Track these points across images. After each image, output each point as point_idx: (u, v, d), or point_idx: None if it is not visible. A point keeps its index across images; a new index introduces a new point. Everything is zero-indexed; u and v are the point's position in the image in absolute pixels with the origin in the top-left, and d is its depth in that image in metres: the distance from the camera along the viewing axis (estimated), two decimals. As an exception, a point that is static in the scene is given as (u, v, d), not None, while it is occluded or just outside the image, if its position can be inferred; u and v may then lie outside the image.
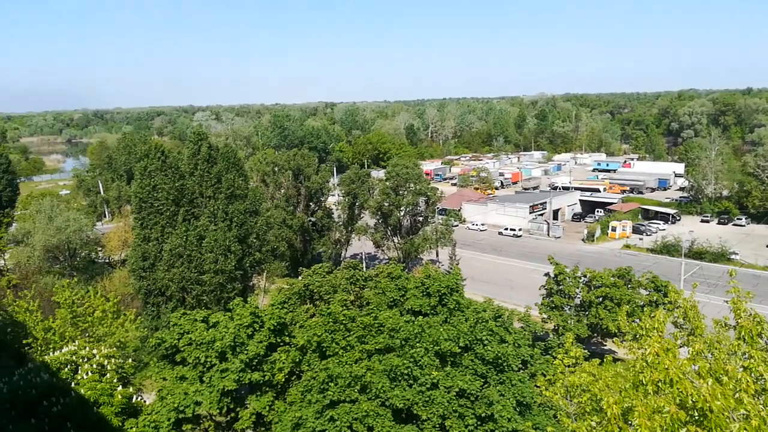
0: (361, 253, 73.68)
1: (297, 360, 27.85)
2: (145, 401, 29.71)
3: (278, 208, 70.35)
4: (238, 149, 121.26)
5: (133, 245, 45.71)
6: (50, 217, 63.49)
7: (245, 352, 26.73)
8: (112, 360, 29.41)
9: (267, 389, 27.69)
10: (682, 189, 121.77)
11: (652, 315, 14.05)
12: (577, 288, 47.29)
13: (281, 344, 28.92)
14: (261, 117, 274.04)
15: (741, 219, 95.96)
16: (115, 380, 27.73)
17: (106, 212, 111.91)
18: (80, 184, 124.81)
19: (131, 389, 28.73)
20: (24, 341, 34.27)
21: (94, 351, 29.53)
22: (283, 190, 73.96)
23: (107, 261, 71.33)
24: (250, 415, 26.69)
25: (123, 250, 66.96)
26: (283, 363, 27.54)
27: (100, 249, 69.81)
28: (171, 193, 43.99)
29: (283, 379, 28.09)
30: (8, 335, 34.91)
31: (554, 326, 47.04)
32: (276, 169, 74.64)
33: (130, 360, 32.34)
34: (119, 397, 26.60)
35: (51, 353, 30.58)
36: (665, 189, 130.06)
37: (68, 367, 28.05)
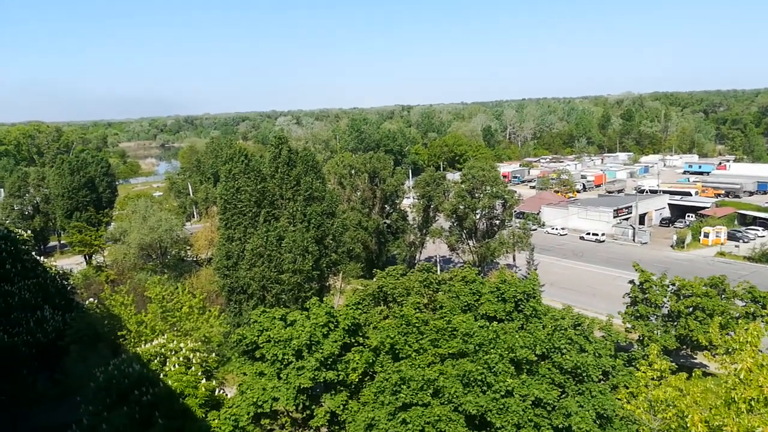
0: (436, 256, 73.34)
1: (370, 361, 28.08)
2: (226, 394, 31.04)
3: (354, 210, 71.38)
4: (316, 152, 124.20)
5: (218, 245, 47.88)
6: (144, 217, 67.64)
7: (320, 351, 27.27)
8: (197, 354, 30.97)
9: (341, 388, 28.12)
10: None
11: (747, 328, 13.07)
12: (665, 297, 44.74)
13: (355, 344, 29.28)
14: (339, 121, 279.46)
15: None
16: (199, 373, 29.18)
17: (195, 213, 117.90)
18: (171, 186, 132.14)
19: (214, 382, 30.17)
20: (119, 333, 36.76)
21: (181, 345, 31.22)
22: (359, 193, 74.97)
23: (194, 259, 75.09)
24: (325, 413, 27.20)
25: (209, 249, 70.26)
26: (357, 363, 27.86)
27: (188, 248, 73.55)
28: (253, 195, 45.70)
29: (357, 379, 28.42)
30: (105, 327, 37.59)
31: (639, 336, 44.74)
32: (352, 171, 75.79)
33: (213, 354, 33.93)
34: (203, 389, 27.96)
35: (142, 345, 32.62)
36: (765, 193, 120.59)
37: (157, 359, 29.81)
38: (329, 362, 27.42)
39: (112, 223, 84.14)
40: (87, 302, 43.16)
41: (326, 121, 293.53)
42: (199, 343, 33.72)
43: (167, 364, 29.35)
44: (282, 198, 47.97)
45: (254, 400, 26.35)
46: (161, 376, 28.14)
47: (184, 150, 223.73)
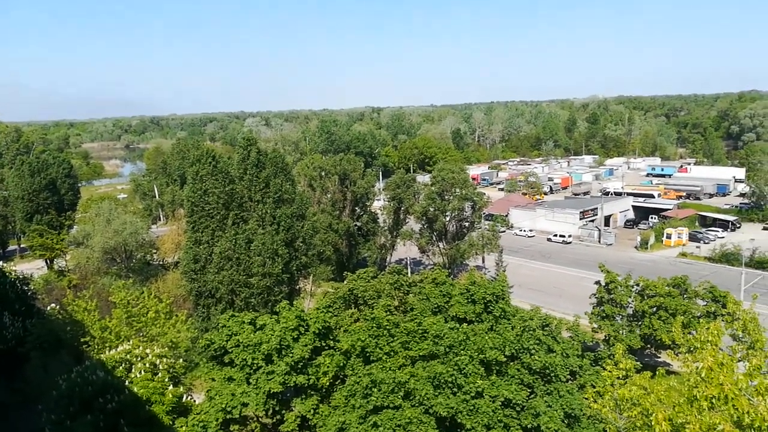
0: (406, 259, 73.57)
1: (341, 364, 27.99)
2: (194, 401, 30.51)
3: (324, 212, 71.12)
4: (286, 154, 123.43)
5: (185, 248, 47.08)
6: (108, 220, 66.10)
7: (291, 355, 27.05)
8: (164, 359, 30.37)
9: (312, 392, 27.94)
10: (742, 195, 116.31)
11: (708, 327, 13.47)
12: (630, 297, 45.77)
13: (326, 348, 29.14)
14: (309, 122, 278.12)
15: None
16: (166, 379, 28.62)
17: (161, 215, 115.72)
18: (137, 188, 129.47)
19: (181, 389, 29.57)
20: (82, 339, 35.82)
21: (147, 350, 30.57)
22: (329, 195, 74.73)
23: (161, 263, 73.72)
24: (295, 417, 26.98)
25: (176, 253, 69.05)
26: (328, 367, 27.73)
27: (154, 251, 72.17)
28: (221, 197, 45.11)
29: (328, 383, 28.27)
30: (68, 333, 36.58)
31: (605, 336, 45.65)
32: (323, 173, 75.52)
33: (181, 360, 33.29)
34: (170, 396, 27.43)
35: (107, 352, 31.83)
36: (724, 195, 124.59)
37: (123, 365, 29.13)
38: (299, 366, 27.23)
39: (75, 227, 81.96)
40: (48, 308, 41.95)
41: (296, 123, 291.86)
42: (166, 348, 33.06)
43: (133, 370, 28.71)
44: (251, 200, 47.47)
45: (223, 405, 25.97)
46: (127, 383, 27.51)
47: (149, 151, 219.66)
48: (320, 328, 28.68)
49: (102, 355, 31.20)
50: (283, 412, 27.69)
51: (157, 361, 29.85)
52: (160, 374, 28.85)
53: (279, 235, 44.93)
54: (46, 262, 80.00)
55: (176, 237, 70.65)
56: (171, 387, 28.37)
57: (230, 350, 28.41)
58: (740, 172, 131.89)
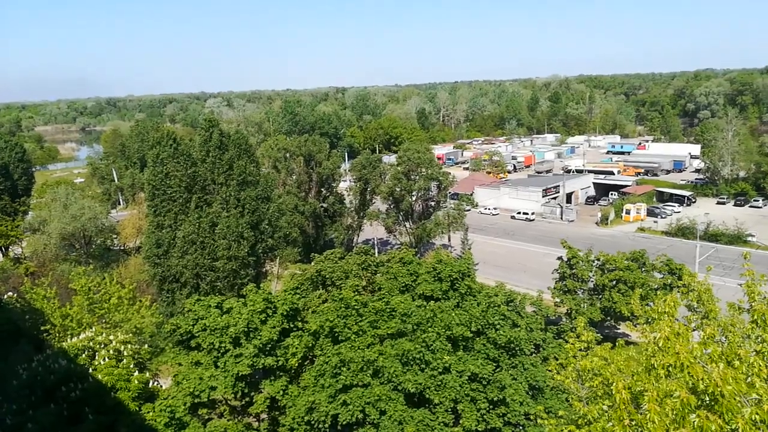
0: (373, 239, 73.80)
1: (310, 345, 28.07)
2: (161, 386, 30.19)
3: (290, 194, 70.55)
4: (249, 135, 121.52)
5: (147, 232, 46.15)
6: (65, 205, 64.18)
7: (259, 337, 26.98)
8: (129, 346, 29.87)
9: (281, 374, 27.98)
10: (697, 171, 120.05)
11: (664, 299, 13.95)
12: (591, 272, 47.09)
13: (294, 329, 29.15)
14: (272, 103, 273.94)
15: (758, 200, 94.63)
16: (131, 366, 28.18)
17: (121, 200, 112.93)
18: (94, 172, 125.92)
19: (147, 374, 29.22)
20: (42, 328, 34.90)
21: (111, 337, 30.01)
22: (294, 176, 74.09)
23: (122, 248, 72.15)
24: (264, 399, 27.01)
25: (137, 238, 67.63)
26: (296, 348, 27.77)
27: (115, 236, 70.54)
28: (183, 180, 44.25)
29: (297, 364, 28.36)
30: (27, 322, 35.59)
31: (567, 310, 46.94)
32: (287, 155, 74.73)
33: (146, 346, 32.83)
34: (136, 382, 27.04)
35: (68, 340, 31.11)
36: (680, 171, 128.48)
37: (86, 353, 28.56)
38: (268, 348, 27.19)
39: (30, 212, 79.31)
40: (5, 297, 40.64)
41: (259, 103, 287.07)
42: (130, 335, 32.54)
43: (96, 357, 28.17)
44: (214, 183, 46.70)
45: (191, 390, 25.79)
46: (90, 370, 26.98)
47: (106, 134, 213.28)
48: (288, 309, 28.65)
49: (64, 344, 30.47)
50: (252, 394, 27.68)
51: (122, 348, 29.34)
52: (124, 361, 28.38)
53: (244, 217, 44.42)
54: (1, 250, 77.34)
55: (137, 221, 69.19)
56: (137, 373, 27.97)
57: (197, 334, 28.15)
58: (696, 149, 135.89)
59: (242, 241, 43.38)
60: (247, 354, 26.38)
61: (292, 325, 29.16)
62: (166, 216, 44.33)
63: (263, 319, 27.82)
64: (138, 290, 44.61)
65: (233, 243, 43.09)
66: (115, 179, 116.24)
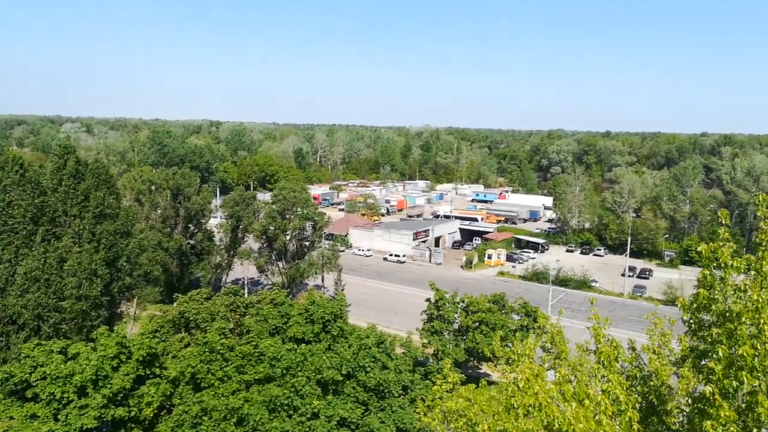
0: (244, 278, 71.29)
1: (168, 393, 26.06)
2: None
3: (153, 229, 66.32)
4: (110, 165, 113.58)
5: (-20, 267, 40.64)
6: None
7: (109, 386, 24.55)
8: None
9: (133, 426, 25.56)
10: (550, 221, 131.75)
11: (522, 340, 14.80)
12: (456, 313, 49.04)
13: (151, 376, 26.94)
14: (138, 132, 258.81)
15: (600, 249, 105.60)
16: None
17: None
18: None
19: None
20: None
21: None
22: (159, 211, 69.93)
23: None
24: (112, 455, 24.44)
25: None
26: (152, 397, 25.63)
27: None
28: (29, 210, 40.01)
29: (152, 415, 26.09)
30: None
31: (434, 351, 48.26)
32: (153, 187, 70.56)
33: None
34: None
35: None
36: (536, 220, 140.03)
37: None
38: (119, 398, 24.80)
39: None
40: None
41: (123, 132, 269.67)
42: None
43: None
44: (66, 215, 42.64)
45: (22, 449, 22.64)
46: None
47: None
48: (145, 354, 26.50)
49: None
50: (98, 450, 24.93)
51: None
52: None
53: (99, 253, 40.86)
54: None
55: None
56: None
57: (34, 384, 25.01)
58: (549, 201, 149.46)
59: (95, 279, 39.73)
60: (94, 405, 23.86)
61: (148, 372, 26.94)
62: (6, 249, 39.55)
63: (115, 365, 25.45)
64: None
65: (84, 281, 39.30)
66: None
